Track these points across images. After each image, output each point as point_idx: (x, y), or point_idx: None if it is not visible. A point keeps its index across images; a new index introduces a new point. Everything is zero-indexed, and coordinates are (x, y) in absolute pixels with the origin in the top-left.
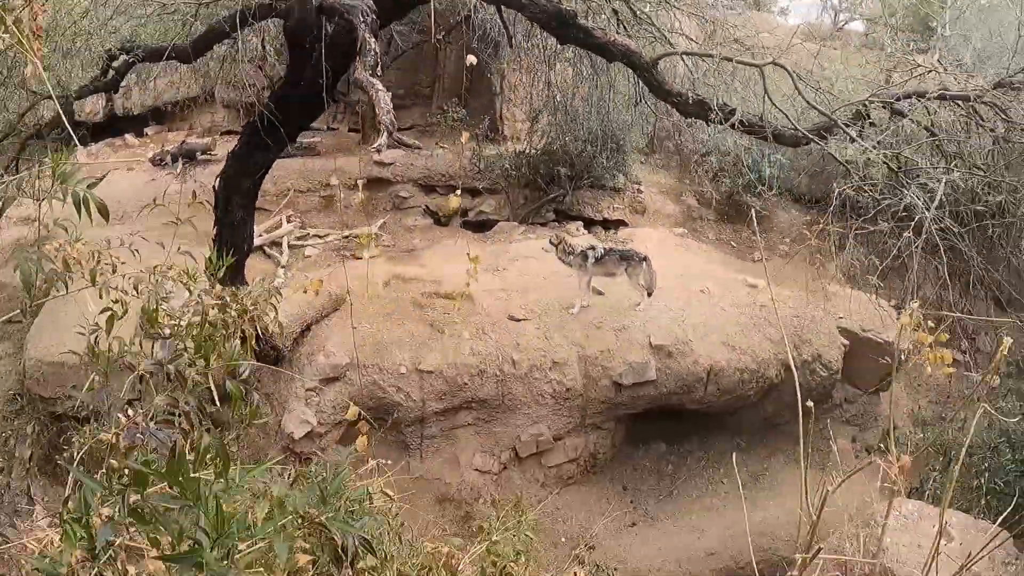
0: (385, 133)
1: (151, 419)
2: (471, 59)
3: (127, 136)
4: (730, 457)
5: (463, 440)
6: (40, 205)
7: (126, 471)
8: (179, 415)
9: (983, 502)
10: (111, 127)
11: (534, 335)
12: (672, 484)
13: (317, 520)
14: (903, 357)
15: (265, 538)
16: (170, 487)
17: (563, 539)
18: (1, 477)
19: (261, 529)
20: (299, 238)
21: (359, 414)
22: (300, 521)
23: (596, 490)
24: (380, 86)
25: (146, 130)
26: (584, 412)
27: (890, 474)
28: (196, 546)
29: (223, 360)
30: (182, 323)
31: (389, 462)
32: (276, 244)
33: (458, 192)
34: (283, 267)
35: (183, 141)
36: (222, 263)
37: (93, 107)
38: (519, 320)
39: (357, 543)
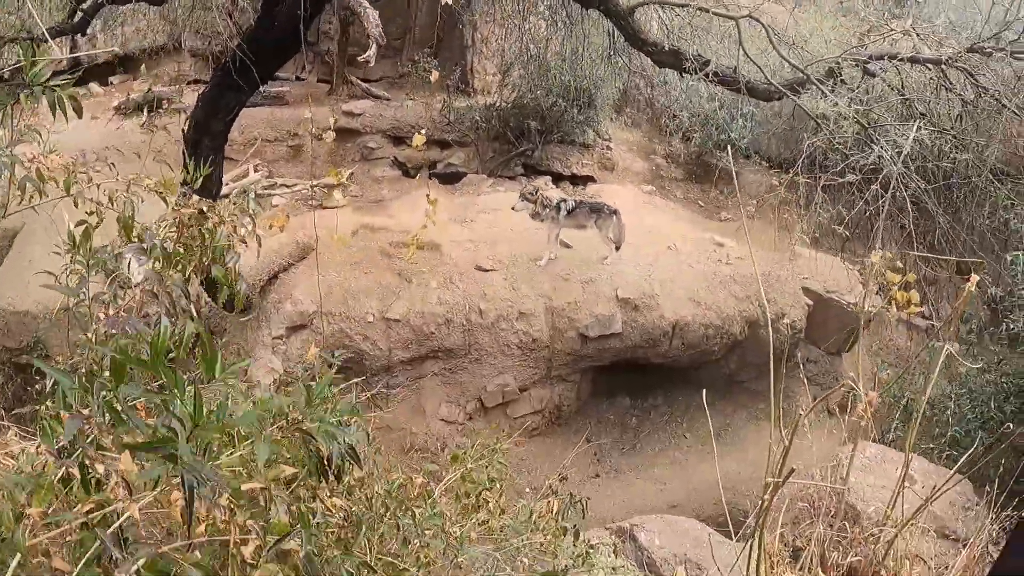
0: (374, 44)
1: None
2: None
3: (91, 85)
4: (693, 412)
5: (429, 390)
6: (12, 109)
7: (105, 365)
8: (163, 296)
9: (944, 454)
10: (75, 75)
11: (501, 286)
12: (636, 437)
13: (302, 428)
14: (867, 318)
15: (246, 441)
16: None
17: (528, 490)
18: None
19: (243, 419)
20: (266, 187)
21: (315, 356)
22: (284, 426)
23: (561, 442)
24: (367, 3)
25: (111, 79)
26: (550, 364)
27: (857, 412)
28: (170, 435)
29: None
30: (160, 232)
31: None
32: (244, 193)
33: (423, 131)
34: (250, 215)
35: (149, 89)
36: (199, 173)
37: (57, 55)
38: (486, 271)
39: (344, 452)
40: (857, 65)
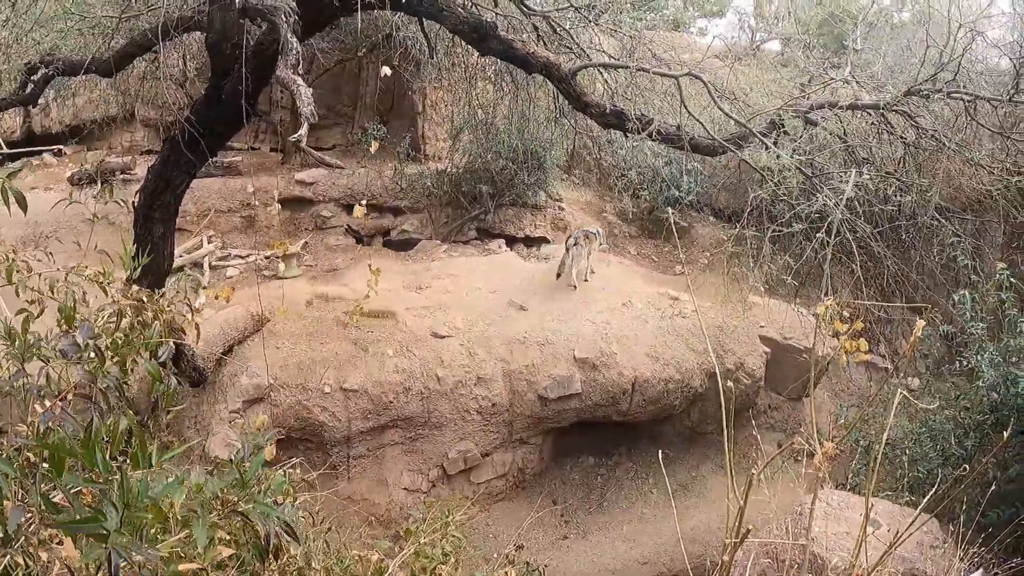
0: (305, 123)
1: (67, 401)
2: (385, 70)
3: (45, 155)
4: (658, 467)
5: (391, 459)
6: None
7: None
8: (96, 395)
9: (907, 493)
10: (29, 146)
11: (458, 351)
12: (602, 496)
13: (238, 508)
14: (823, 361)
15: (185, 524)
16: (83, 469)
17: (495, 555)
18: None
19: (165, 489)
20: (220, 258)
21: (263, 424)
22: (220, 508)
23: (526, 505)
24: (301, 82)
25: (64, 149)
26: (511, 427)
27: (814, 463)
28: (96, 515)
29: (142, 362)
30: (99, 323)
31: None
32: (197, 265)
33: (363, 203)
34: (204, 288)
35: (102, 160)
36: (138, 263)
37: (10, 124)
38: (443, 337)
39: (279, 530)
40: (798, 116)
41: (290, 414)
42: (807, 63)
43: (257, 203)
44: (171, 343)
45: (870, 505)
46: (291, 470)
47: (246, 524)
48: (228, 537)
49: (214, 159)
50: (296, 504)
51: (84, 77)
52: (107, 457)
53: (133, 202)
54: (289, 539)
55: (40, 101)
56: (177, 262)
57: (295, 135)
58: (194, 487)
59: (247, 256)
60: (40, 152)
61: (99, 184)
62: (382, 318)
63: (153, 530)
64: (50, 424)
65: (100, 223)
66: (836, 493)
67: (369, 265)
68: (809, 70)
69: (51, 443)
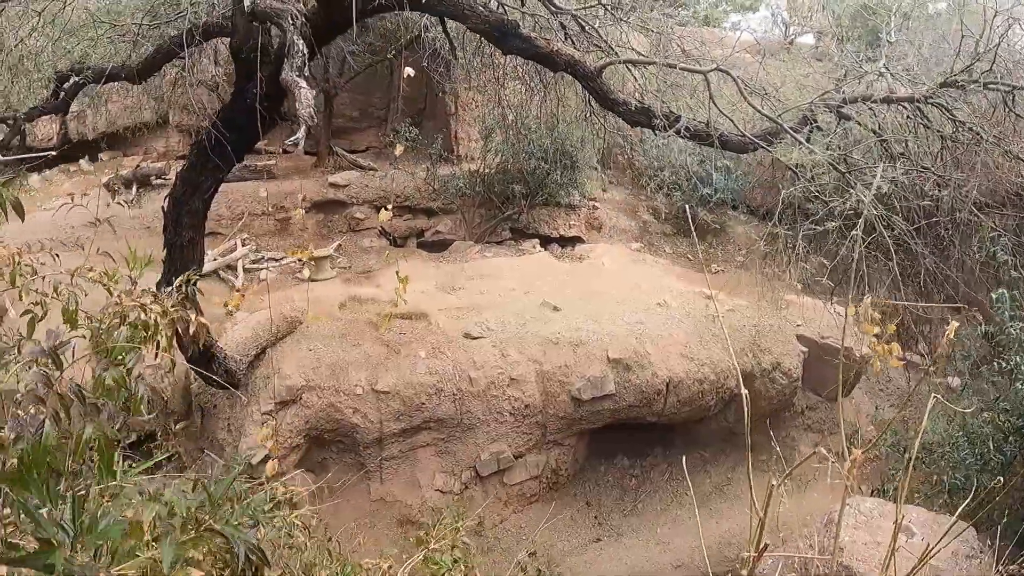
0: (303, 126)
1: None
2: (408, 71)
3: (81, 161)
4: (694, 468)
5: (423, 461)
6: None
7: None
8: (52, 400)
9: (944, 499)
10: (65, 152)
11: (491, 352)
12: (636, 498)
13: (212, 527)
14: (860, 363)
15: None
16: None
17: (526, 555)
18: None
19: (113, 530)
20: (254, 261)
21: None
22: (192, 527)
23: (559, 507)
24: (304, 84)
25: (100, 155)
26: (544, 428)
27: (842, 472)
28: (43, 548)
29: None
30: (102, 325)
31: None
32: (231, 268)
33: (389, 207)
34: (237, 290)
35: (137, 166)
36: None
37: (47, 131)
38: (476, 338)
39: (246, 552)
40: (831, 110)
41: (322, 416)
42: (841, 57)
43: (291, 206)
44: (143, 352)
45: (901, 515)
46: (301, 478)
47: (227, 544)
48: (201, 557)
49: (247, 163)
50: (291, 517)
51: (117, 84)
52: (65, 467)
53: (162, 207)
54: (260, 561)
55: (74, 108)
56: (211, 265)
57: (290, 139)
58: (164, 504)
59: (281, 259)
60: (76, 158)
61: (134, 189)
62: (415, 320)
63: (130, 546)
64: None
65: (132, 226)
66: (868, 500)
67: (397, 272)
68: (843, 64)
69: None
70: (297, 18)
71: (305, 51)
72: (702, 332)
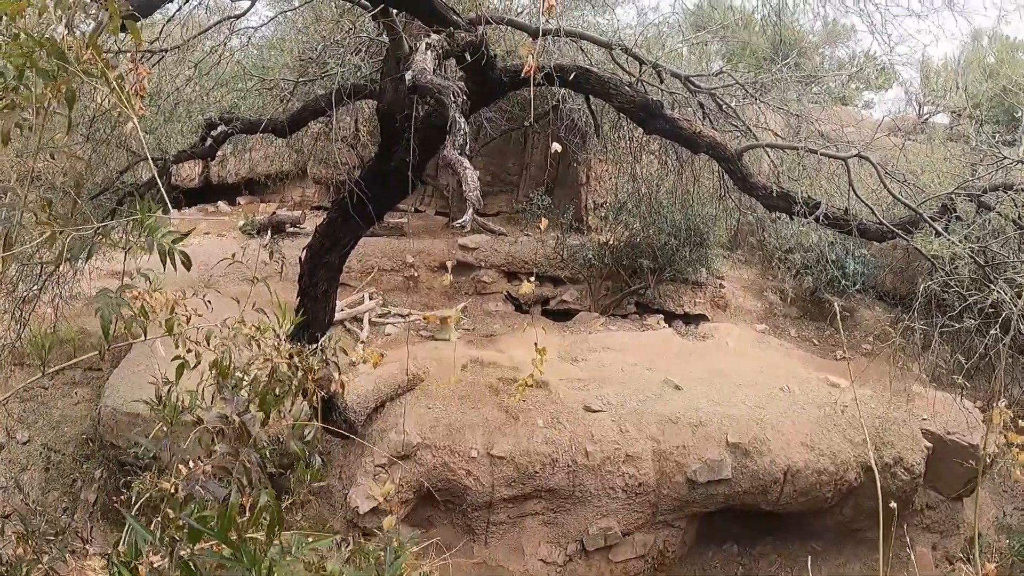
0: (470, 208)
1: (210, 473)
2: (556, 147)
3: (220, 204)
4: (805, 562)
5: (529, 529)
6: (126, 256)
7: (181, 523)
8: (239, 470)
9: None
10: (205, 193)
11: (609, 427)
12: None
13: None
14: (989, 460)
15: None
16: (220, 545)
17: None
18: (64, 517)
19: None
20: (380, 315)
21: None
22: None
23: None
24: (468, 164)
25: (238, 199)
26: (655, 508)
27: None
28: None
29: (291, 419)
30: (247, 377)
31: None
32: (357, 320)
33: (532, 279)
34: (362, 343)
35: (274, 212)
36: (292, 320)
37: (189, 173)
38: (595, 411)
39: None
40: (971, 199)
41: (435, 474)
42: (977, 139)
43: (420, 264)
44: (316, 424)
45: None
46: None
47: None
48: None
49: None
50: None
51: (260, 135)
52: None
53: (300, 257)
54: None
55: (218, 154)
56: (338, 316)
57: (459, 220)
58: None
59: (407, 315)
60: (216, 201)
61: (269, 235)
62: (535, 387)
63: None
64: (191, 492)
65: (265, 272)
66: None
67: (535, 344)
68: (980, 148)
69: (192, 514)
70: (459, 96)
71: (467, 129)
72: (824, 421)
